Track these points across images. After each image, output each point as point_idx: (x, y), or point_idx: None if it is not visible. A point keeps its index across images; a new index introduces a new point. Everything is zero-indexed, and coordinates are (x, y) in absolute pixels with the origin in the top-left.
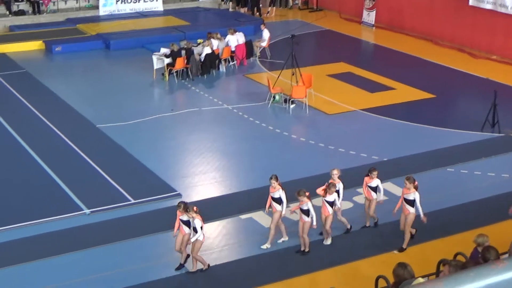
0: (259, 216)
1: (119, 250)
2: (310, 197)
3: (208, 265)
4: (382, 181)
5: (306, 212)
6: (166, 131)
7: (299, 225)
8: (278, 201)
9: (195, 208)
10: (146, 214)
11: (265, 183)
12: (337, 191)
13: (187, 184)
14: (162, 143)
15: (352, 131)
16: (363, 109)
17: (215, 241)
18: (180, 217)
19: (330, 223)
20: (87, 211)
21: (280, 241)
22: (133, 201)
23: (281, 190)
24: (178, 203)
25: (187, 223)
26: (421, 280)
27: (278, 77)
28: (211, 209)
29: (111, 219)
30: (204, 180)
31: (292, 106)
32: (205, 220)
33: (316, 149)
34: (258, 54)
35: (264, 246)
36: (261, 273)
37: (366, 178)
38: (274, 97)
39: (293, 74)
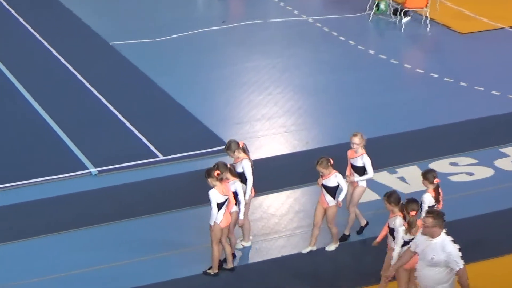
0: None
1: (136, 230)
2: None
3: (216, 273)
4: None
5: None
6: (214, 54)
7: None
8: (243, 177)
9: (216, 172)
10: (181, 177)
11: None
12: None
13: (242, 134)
14: (207, 72)
15: (497, 60)
16: None
17: (283, 220)
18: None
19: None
20: (94, 170)
21: (239, 245)
22: (161, 158)
23: (246, 160)
24: (215, 164)
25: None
26: None
27: None
28: (278, 173)
29: (128, 184)
30: (268, 129)
31: (405, 19)
32: (270, 190)
33: (441, 86)
34: None
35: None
36: (347, 272)
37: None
38: (378, 5)
39: None
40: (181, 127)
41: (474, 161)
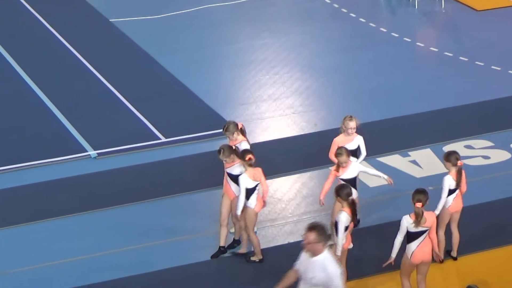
0: None
1: (137, 216)
2: None
3: (261, 259)
4: None
5: None
6: (219, 32)
7: None
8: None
9: (248, 156)
10: (184, 160)
11: (372, 117)
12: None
13: (248, 116)
14: (211, 51)
15: None
16: None
17: (291, 206)
18: (227, 170)
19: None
20: (93, 153)
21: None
22: (163, 140)
23: (245, 143)
24: (221, 147)
25: (238, 179)
26: None
27: None
28: (285, 156)
29: (128, 167)
30: (275, 110)
31: None
32: (277, 173)
33: (456, 65)
34: None
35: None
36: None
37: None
38: None
39: None
40: (184, 108)
41: (490, 144)
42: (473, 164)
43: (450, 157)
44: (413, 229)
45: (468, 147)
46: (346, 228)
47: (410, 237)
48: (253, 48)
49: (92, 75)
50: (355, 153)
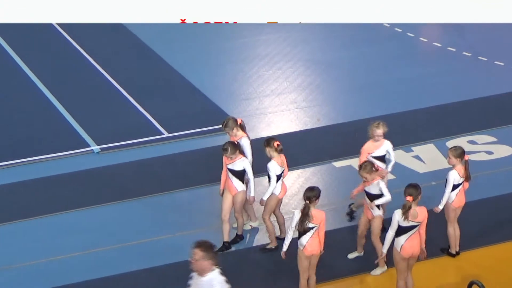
0: None
1: (138, 211)
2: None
3: (277, 246)
4: None
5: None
6: (222, 26)
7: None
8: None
9: (276, 143)
10: (186, 155)
11: (374, 112)
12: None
13: (251, 111)
14: (214, 46)
15: None
16: None
17: (293, 201)
18: (229, 166)
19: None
20: (96, 148)
21: (247, 225)
22: (166, 135)
23: (245, 138)
24: (225, 144)
25: (240, 175)
26: None
27: None
28: (288, 151)
29: (131, 162)
30: (278, 105)
31: None
32: None
33: (459, 60)
34: None
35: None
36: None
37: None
38: None
39: None
40: (187, 103)
41: (493, 139)
42: (476, 159)
43: (457, 152)
44: (404, 223)
45: (471, 142)
46: (300, 229)
47: (400, 231)
48: (256, 43)
49: (96, 70)
50: (383, 159)
